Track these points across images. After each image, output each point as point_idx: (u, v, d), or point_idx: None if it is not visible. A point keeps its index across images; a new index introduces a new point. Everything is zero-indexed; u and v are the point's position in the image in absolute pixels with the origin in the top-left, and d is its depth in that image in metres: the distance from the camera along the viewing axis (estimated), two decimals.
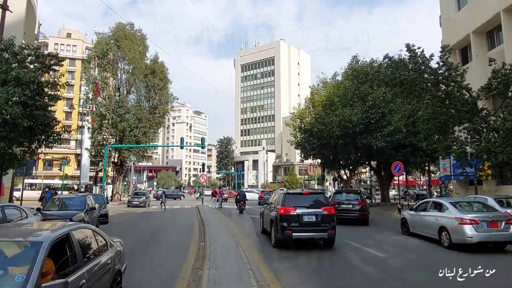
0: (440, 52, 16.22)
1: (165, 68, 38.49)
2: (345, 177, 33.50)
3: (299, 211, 9.53)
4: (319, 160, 50.87)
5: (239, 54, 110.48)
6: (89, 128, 35.51)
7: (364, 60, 30.54)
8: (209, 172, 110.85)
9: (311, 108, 31.92)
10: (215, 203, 29.21)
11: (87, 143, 38.81)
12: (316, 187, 65.32)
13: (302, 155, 33.73)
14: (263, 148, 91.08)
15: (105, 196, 35.68)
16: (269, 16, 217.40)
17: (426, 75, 16.00)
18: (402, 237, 13.11)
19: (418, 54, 16.27)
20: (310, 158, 35.31)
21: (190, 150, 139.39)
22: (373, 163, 35.53)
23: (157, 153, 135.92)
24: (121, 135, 34.38)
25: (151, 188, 73.28)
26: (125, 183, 71.86)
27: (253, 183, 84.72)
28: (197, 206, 27.27)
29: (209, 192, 39.28)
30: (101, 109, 34.01)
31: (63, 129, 13.98)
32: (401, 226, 13.85)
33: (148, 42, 38.93)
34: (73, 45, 77.45)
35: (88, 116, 35.70)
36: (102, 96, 35.23)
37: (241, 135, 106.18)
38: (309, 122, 30.15)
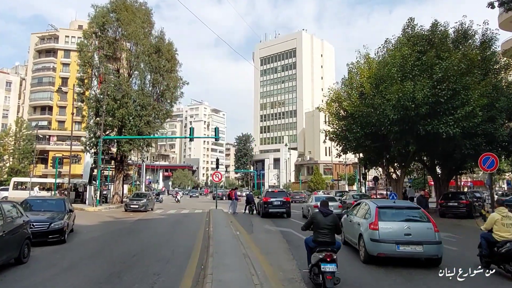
0: None
1: (173, 47, 32.48)
2: (394, 175, 26.50)
3: (272, 199, 20.95)
4: (349, 156, 43.97)
5: (258, 47, 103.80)
6: (83, 117, 30.08)
7: (421, 26, 23.49)
8: (227, 171, 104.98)
9: (351, 91, 25.16)
10: (231, 207, 24.08)
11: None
12: (347, 189, 58.43)
13: (340, 149, 26.88)
14: (286, 145, 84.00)
15: (107, 195, 30.43)
16: (289, 18, 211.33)
17: None
18: None
19: None
20: (350, 152, 28.48)
21: (207, 149, 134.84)
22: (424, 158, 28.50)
23: (174, 152, 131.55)
24: (120, 125, 28.76)
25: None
26: (137, 182, 66.81)
27: (274, 183, 78.17)
28: (210, 211, 21.88)
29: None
30: (96, 92, 28.45)
31: None
32: None
33: (154, 19, 33.20)
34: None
35: (83, 103, 30.11)
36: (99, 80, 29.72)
37: (261, 132, 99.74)
38: (351, 105, 23.30)
